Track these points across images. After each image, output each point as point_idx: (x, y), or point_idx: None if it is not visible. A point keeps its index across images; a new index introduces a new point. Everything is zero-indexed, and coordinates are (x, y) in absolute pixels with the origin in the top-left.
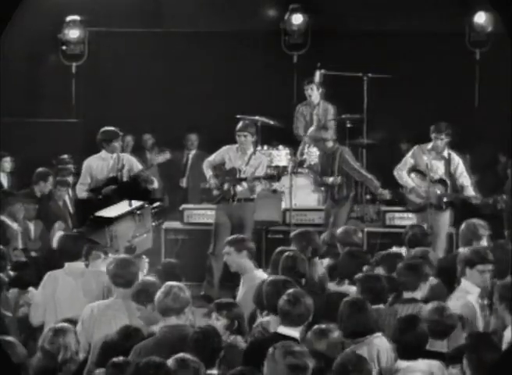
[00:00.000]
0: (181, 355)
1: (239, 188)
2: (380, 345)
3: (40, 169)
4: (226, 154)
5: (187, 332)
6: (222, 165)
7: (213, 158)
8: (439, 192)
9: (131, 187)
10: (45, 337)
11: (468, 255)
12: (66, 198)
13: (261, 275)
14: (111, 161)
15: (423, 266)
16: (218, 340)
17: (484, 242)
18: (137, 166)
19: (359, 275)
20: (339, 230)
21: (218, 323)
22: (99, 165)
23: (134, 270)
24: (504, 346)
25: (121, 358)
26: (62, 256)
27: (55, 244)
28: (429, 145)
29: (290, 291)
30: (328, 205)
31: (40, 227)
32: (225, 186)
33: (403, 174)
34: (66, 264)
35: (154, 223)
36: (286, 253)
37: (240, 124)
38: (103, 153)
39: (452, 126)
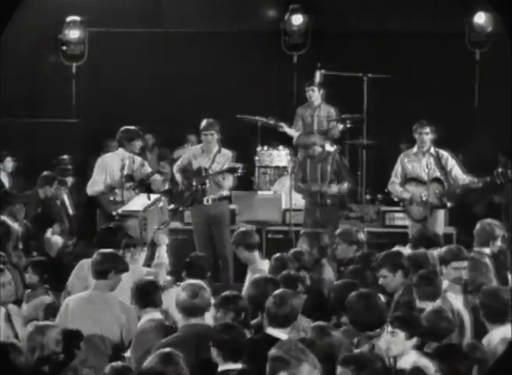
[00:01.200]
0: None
1: (207, 186)
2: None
3: (45, 173)
4: (191, 155)
5: (208, 329)
6: (190, 166)
7: (180, 161)
8: (437, 191)
9: (145, 187)
10: (27, 333)
11: (442, 253)
12: (65, 197)
13: (266, 266)
14: (127, 161)
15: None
16: (243, 335)
17: (498, 242)
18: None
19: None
20: (340, 230)
21: (226, 317)
22: (116, 163)
23: (116, 263)
24: (485, 351)
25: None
26: (101, 248)
27: (48, 248)
28: (414, 149)
29: (277, 292)
30: (313, 207)
31: (37, 228)
32: (193, 187)
33: (396, 188)
34: None
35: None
36: (276, 255)
37: (205, 123)
38: (120, 151)
39: (435, 125)
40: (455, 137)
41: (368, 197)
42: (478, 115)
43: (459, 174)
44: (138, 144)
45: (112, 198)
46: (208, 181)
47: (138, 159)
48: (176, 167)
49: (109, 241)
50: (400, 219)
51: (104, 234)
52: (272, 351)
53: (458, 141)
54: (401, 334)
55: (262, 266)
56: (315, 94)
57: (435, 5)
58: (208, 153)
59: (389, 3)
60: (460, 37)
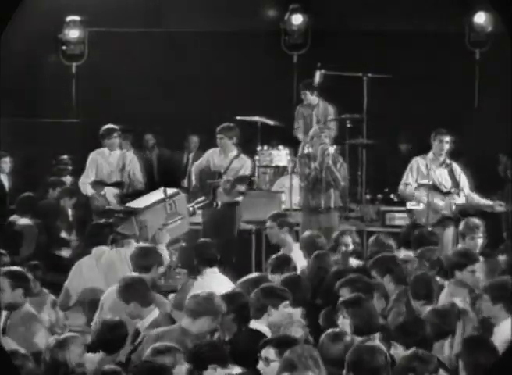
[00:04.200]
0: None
1: (218, 191)
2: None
3: (52, 178)
4: (210, 157)
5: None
6: (207, 167)
7: (200, 162)
8: (456, 203)
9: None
10: (47, 348)
11: (456, 257)
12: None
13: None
14: (114, 158)
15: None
16: None
17: (480, 234)
18: (138, 168)
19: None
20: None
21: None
22: (104, 161)
23: (156, 257)
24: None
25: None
26: (89, 243)
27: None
28: (429, 154)
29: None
30: (309, 211)
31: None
32: (206, 189)
33: (413, 190)
34: (93, 249)
35: (191, 208)
36: (277, 254)
37: (219, 126)
38: (106, 149)
39: (435, 125)
40: (455, 137)
41: (367, 197)
42: (478, 115)
43: (472, 193)
44: (109, 142)
45: (97, 202)
46: (218, 187)
47: (129, 157)
48: (194, 167)
49: (95, 236)
50: (400, 219)
51: (90, 230)
52: (287, 352)
53: (458, 141)
54: (400, 348)
55: (297, 248)
56: (308, 97)
57: (435, 5)
58: (225, 157)
59: (389, 3)
60: (460, 37)
